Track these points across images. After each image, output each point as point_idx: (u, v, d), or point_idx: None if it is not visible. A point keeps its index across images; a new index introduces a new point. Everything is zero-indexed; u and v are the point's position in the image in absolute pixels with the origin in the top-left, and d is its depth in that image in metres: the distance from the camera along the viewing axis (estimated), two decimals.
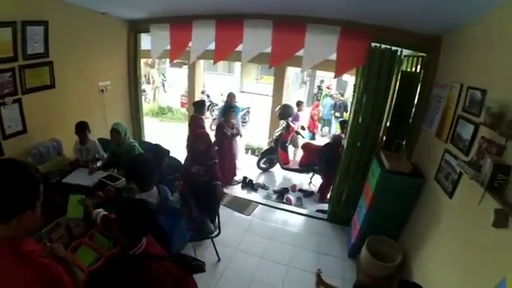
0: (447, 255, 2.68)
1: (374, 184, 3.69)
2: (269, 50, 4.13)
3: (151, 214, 2.08)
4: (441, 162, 3.08)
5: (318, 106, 11.38)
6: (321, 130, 11.95)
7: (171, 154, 3.96)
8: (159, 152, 3.66)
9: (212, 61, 4.71)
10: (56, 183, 3.72)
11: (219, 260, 3.89)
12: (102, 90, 5.15)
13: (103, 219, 2.52)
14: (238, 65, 20.08)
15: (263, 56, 4.30)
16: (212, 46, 4.44)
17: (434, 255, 2.95)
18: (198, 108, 6.15)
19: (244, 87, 20.31)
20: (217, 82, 16.11)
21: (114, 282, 2.21)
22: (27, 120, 3.97)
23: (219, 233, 3.81)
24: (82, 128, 4.10)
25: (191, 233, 3.25)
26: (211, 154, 4.15)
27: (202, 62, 9.19)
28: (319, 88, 15.96)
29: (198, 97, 9.05)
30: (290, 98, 10.13)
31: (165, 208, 2.61)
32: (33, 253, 1.33)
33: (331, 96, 12.60)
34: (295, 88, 18.57)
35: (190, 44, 4.61)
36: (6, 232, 1.27)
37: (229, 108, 6.26)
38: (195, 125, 5.83)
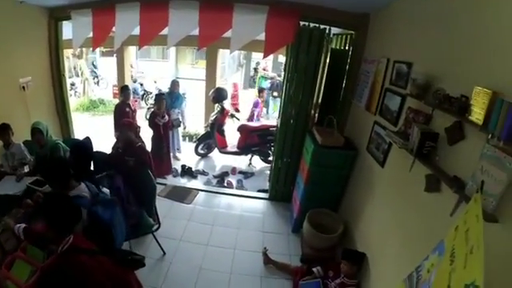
0: (384, 222, 2.81)
1: (308, 159, 3.77)
2: (197, 32, 3.93)
3: (74, 204, 2.04)
4: (371, 134, 3.22)
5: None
6: None
7: (102, 149, 3.68)
8: (85, 148, 3.37)
9: (145, 47, 4.39)
10: None
11: (164, 254, 3.72)
12: (24, 87, 4.55)
13: (25, 232, 2.34)
14: (172, 50, 19.25)
15: (192, 39, 4.10)
16: (138, 31, 4.14)
17: (372, 222, 3.10)
18: (121, 94, 5.77)
19: (180, 73, 19.53)
20: (151, 69, 15.23)
21: None
22: None
23: (159, 226, 3.64)
24: (2, 130, 3.65)
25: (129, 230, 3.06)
26: (135, 141, 3.89)
27: (131, 48, 8.58)
28: (255, 70, 15.91)
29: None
30: (227, 81, 9.98)
31: (98, 200, 2.47)
32: None
33: (267, 77, 12.60)
34: (232, 71, 18.39)
35: (114, 29, 4.27)
36: None
37: (159, 95, 5.90)
38: (119, 113, 5.49)
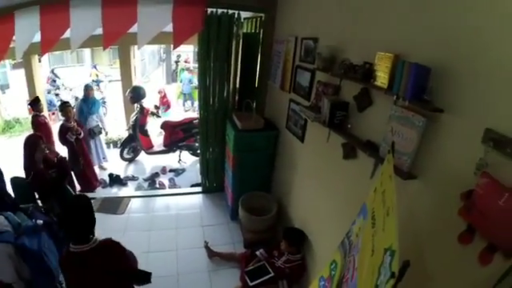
0: (313, 194, 2.85)
1: (231, 146, 3.72)
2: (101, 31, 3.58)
3: None
4: (288, 112, 3.24)
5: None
6: (183, 104, 11.60)
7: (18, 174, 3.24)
8: None
9: (57, 53, 3.87)
10: None
11: None
12: None
13: None
14: (87, 53, 17.56)
15: (97, 39, 3.72)
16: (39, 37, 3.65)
17: (302, 197, 3.14)
18: (33, 107, 5.03)
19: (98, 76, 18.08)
20: (68, 76, 13.55)
21: None
22: None
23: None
24: None
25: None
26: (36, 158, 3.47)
27: (38, 56, 7.53)
28: (177, 63, 15.33)
29: (43, 98, 7.51)
30: (149, 79, 9.39)
31: (22, 231, 2.23)
32: None
33: (188, 69, 12.19)
34: (154, 67, 17.56)
35: (14, 38, 3.73)
36: None
37: (63, 104, 5.08)
38: (36, 124, 4.83)
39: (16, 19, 3.63)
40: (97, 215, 3.96)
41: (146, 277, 2.13)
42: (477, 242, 1.17)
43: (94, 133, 5.64)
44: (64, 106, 4.85)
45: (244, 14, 3.99)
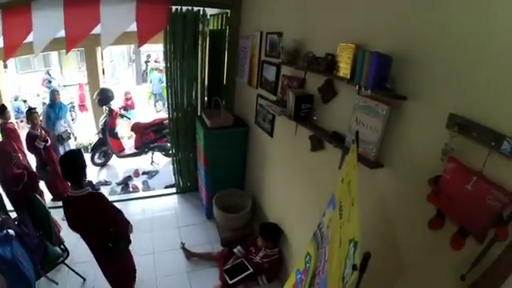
0: (285, 187, 2.83)
1: (202, 144, 3.67)
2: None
3: None
4: (257, 107, 3.21)
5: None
6: (154, 105, 11.38)
7: None
8: None
9: (24, 58, 3.65)
10: None
11: (84, 280, 3.29)
12: None
13: None
14: (55, 56, 16.75)
15: (61, 41, 3.49)
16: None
17: (274, 191, 3.12)
18: None
19: (66, 80, 17.30)
20: (35, 81, 12.97)
21: None
22: None
23: (68, 254, 3.18)
24: None
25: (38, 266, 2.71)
26: (11, 168, 3.28)
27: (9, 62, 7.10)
28: (146, 63, 14.94)
29: (9, 106, 7.08)
30: (119, 80, 9.09)
31: None
32: None
33: (158, 69, 11.92)
34: (123, 68, 17.04)
35: None
36: None
37: (29, 110, 4.72)
38: (6, 131, 4.49)
39: None
40: None
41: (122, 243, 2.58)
42: (448, 227, 1.17)
43: (62, 138, 5.43)
44: (30, 113, 4.53)
45: (210, 11, 3.93)
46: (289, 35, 2.47)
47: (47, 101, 6.48)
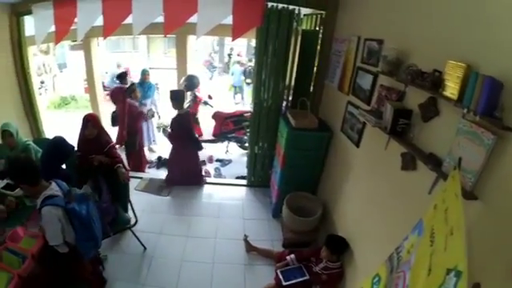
0: (363, 202, 2.77)
1: (283, 143, 3.71)
2: (162, 18, 3.74)
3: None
4: (345, 114, 3.16)
5: None
6: (234, 97, 11.84)
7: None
8: (56, 147, 3.17)
9: (114, 38, 4.14)
10: None
11: (145, 249, 3.60)
12: None
13: None
14: (143, 40, 18.53)
15: (158, 26, 3.86)
16: (101, 21, 3.90)
17: (350, 203, 3.07)
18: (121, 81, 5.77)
19: (152, 63, 18.93)
20: (122, 61, 14.52)
21: None
22: None
23: (136, 221, 3.51)
24: None
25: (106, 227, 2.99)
26: (105, 140, 3.67)
27: (100, 40, 8.07)
28: (229, 56, 15.64)
29: (99, 80, 8.19)
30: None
31: (72, 197, 2.35)
32: None
33: (240, 63, 12.40)
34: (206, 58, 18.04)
35: (76, 21, 4.00)
36: None
37: (132, 85, 5.47)
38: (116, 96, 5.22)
39: (79, 2, 3.89)
40: (142, 195, 4.15)
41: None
42: None
43: (147, 116, 5.91)
44: (132, 87, 5.25)
45: (304, 11, 3.96)
46: (390, 44, 2.39)
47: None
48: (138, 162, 5.48)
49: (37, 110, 5.27)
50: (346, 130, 3.15)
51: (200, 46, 16.83)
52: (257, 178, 4.86)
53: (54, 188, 2.27)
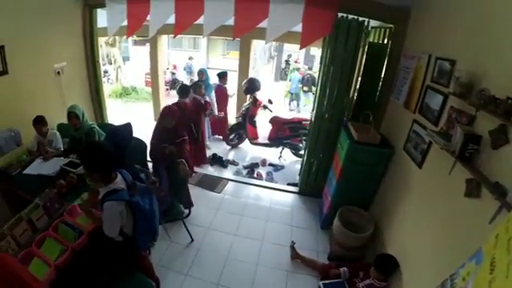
0: (418, 224, 2.73)
1: (343, 155, 3.70)
2: (231, 21, 3.94)
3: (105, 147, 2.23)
4: (409, 133, 3.11)
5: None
6: (289, 104, 11.94)
7: (136, 135, 3.77)
8: (125, 134, 3.47)
9: (176, 36, 4.45)
10: (17, 175, 3.52)
11: (192, 240, 3.83)
12: (58, 72, 4.73)
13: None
14: (203, 40, 19.39)
15: (226, 29, 4.10)
16: (172, 20, 4.21)
17: (404, 224, 3.02)
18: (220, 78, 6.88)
19: (210, 63, 19.72)
20: (182, 59, 15.31)
21: (83, 273, 2.30)
22: None
23: (189, 213, 3.74)
24: (37, 123, 3.86)
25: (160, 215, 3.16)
26: (180, 132, 3.96)
27: (164, 38, 8.62)
28: (287, 62, 15.80)
29: (162, 75, 8.82)
30: (257, 73, 9.89)
31: (136, 190, 2.41)
32: None
33: (298, 70, 12.49)
34: (263, 63, 18.37)
35: (149, 18, 4.35)
36: None
37: (197, 82, 6.04)
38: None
39: (152, 1, 4.21)
40: (195, 189, 4.41)
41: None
42: None
43: (204, 114, 6.15)
44: (197, 84, 5.75)
45: (372, 23, 3.96)
46: (463, 65, 2.35)
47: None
48: (201, 153, 5.86)
49: (102, 97, 5.83)
50: (408, 149, 3.11)
51: (258, 51, 17.21)
52: (309, 187, 4.90)
53: (118, 181, 2.26)
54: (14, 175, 3.50)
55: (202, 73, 6.76)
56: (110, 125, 4.67)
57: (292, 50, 16.00)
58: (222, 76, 6.81)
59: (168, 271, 3.37)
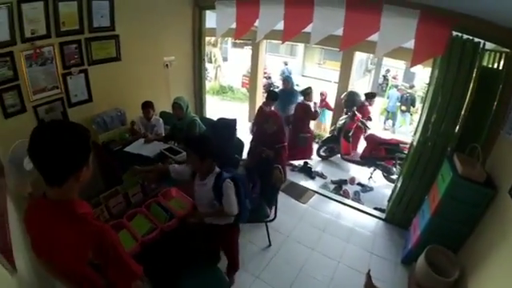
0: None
1: (443, 188, 3.44)
2: (339, 32, 3.89)
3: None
4: None
5: None
6: (384, 122, 11.46)
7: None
8: (230, 129, 3.73)
9: (274, 41, 4.61)
10: (117, 151, 4.04)
11: (270, 245, 3.99)
12: (167, 65, 5.35)
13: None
14: (300, 48, 19.52)
15: (330, 39, 4.06)
16: (278, 26, 4.36)
17: (495, 275, 2.72)
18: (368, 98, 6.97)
19: (306, 71, 19.77)
20: (278, 64, 15.70)
21: (168, 254, 2.56)
22: (93, 90, 4.24)
23: (275, 218, 3.88)
24: (147, 106, 4.43)
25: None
26: (280, 137, 4.11)
27: (264, 42, 8.97)
28: (385, 78, 15.11)
29: (261, 78, 9.24)
30: (353, 85, 9.62)
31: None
32: (86, 215, 1.40)
33: (397, 87, 11.83)
34: (358, 76, 17.91)
35: (257, 23, 4.58)
36: (62, 195, 1.33)
37: (307, 89, 6.27)
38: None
39: (261, 6, 4.40)
40: (280, 194, 4.47)
41: None
42: None
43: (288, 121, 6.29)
44: (307, 90, 6.15)
45: (486, 45, 3.60)
46: None
47: None
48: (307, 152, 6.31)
49: (204, 93, 6.37)
50: None
51: (354, 65, 16.82)
52: (397, 216, 4.64)
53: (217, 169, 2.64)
54: (114, 151, 4.03)
55: (287, 81, 6.87)
56: (209, 119, 5.14)
57: (390, 64, 15.24)
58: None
59: (240, 270, 3.49)
